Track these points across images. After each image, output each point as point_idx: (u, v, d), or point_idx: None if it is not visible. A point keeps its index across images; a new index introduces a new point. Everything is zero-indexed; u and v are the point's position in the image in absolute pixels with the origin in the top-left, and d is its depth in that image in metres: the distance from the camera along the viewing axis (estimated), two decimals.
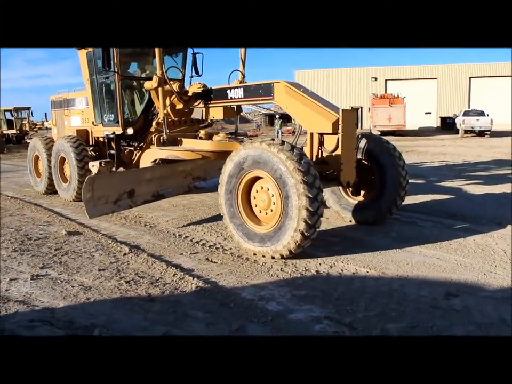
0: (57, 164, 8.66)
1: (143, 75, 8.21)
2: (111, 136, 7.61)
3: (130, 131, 7.57)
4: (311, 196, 4.23)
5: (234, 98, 6.05)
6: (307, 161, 4.40)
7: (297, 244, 4.36)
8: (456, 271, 4.27)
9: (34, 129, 31.63)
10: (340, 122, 4.95)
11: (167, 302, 3.63)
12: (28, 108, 30.79)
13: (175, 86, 6.63)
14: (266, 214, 4.76)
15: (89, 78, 8.18)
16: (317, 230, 4.48)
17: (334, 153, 5.13)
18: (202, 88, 6.60)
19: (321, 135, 5.25)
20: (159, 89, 6.48)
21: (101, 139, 8.39)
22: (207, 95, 6.46)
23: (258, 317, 3.31)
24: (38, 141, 9.54)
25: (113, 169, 7.45)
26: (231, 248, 5.06)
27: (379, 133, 28.37)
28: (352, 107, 39.80)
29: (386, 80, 38.72)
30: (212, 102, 6.43)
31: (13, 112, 29.88)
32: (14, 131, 29.28)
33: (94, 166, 5.60)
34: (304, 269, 4.33)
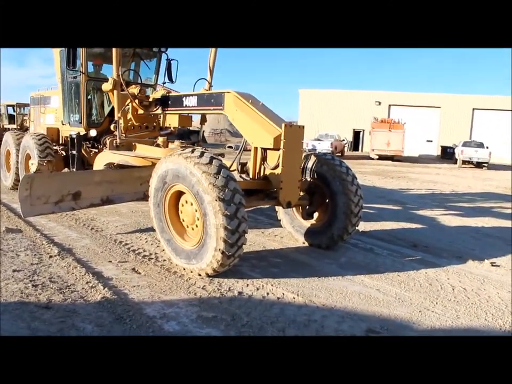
0: (23, 160, 8.48)
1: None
2: (74, 136, 7.44)
3: (93, 133, 7.40)
4: (228, 214, 3.92)
5: (189, 106, 5.85)
6: (225, 175, 4.05)
7: (219, 263, 4.07)
8: (391, 305, 3.96)
9: None
10: (282, 137, 4.65)
11: (63, 311, 3.36)
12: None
13: (135, 90, 6.46)
14: (193, 229, 4.48)
15: (60, 76, 8.06)
16: (242, 248, 4.19)
17: (275, 170, 4.84)
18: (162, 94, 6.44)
19: (264, 150, 4.98)
20: (114, 91, 6.33)
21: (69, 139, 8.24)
22: (165, 102, 6.28)
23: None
24: (10, 136, 9.39)
25: (66, 169, 7.27)
26: (164, 260, 4.79)
27: (377, 157, 28.27)
28: (354, 130, 39.93)
29: (390, 105, 38.71)
30: (168, 109, 6.25)
31: (15, 107, 30.04)
32: (14, 126, 29.36)
33: (33, 164, 5.39)
34: (227, 289, 4.04)
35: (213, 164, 4.10)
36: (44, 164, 5.35)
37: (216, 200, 3.92)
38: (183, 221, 4.59)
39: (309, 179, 5.47)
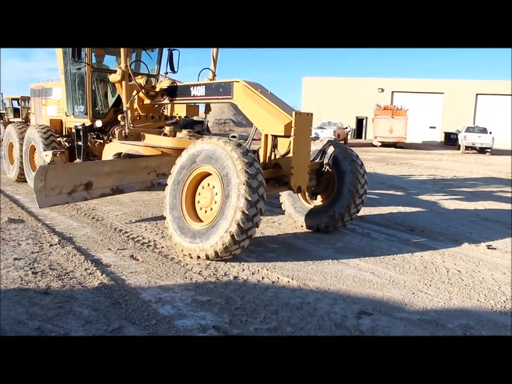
0: (28, 152, 8.56)
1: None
2: (79, 127, 7.50)
3: (98, 123, 7.45)
4: (250, 200, 4.10)
5: (197, 96, 5.94)
6: (257, 167, 4.29)
7: (224, 246, 4.17)
8: (385, 288, 4.02)
9: None
10: (293, 125, 4.81)
11: (61, 297, 3.45)
12: None
13: (142, 81, 6.51)
14: (206, 212, 4.62)
15: (63, 68, 8.09)
16: (249, 238, 4.31)
17: (286, 157, 4.98)
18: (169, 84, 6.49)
19: (274, 137, 5.10)
20: (123, 82, 6.38)
21: (73, 130, 8.28)
22: (172, 92, 6.34)
23: (142, 320, 3.11)
24: (13, 128, 9.45)
25: (77, 160, 7.35)
26: (162, 247, 4.88)
27: (380, 144, 28.16)
28: (357, 117, 39.71)
29: (393, 92, 38.43)
30: (176, 98, 6.31)
31: (20, 101, 30.10)
32: (20, 119, 29.47)
33: (47, 155, 5.46)
34: (223, 274, 4.12)
35: (248, 154, 4.35)
36: (58, 154, 5.42)
37: (243, 184, 4.13)
38: (198, 202, 4.74)
39: (325, 161, 5.71)
